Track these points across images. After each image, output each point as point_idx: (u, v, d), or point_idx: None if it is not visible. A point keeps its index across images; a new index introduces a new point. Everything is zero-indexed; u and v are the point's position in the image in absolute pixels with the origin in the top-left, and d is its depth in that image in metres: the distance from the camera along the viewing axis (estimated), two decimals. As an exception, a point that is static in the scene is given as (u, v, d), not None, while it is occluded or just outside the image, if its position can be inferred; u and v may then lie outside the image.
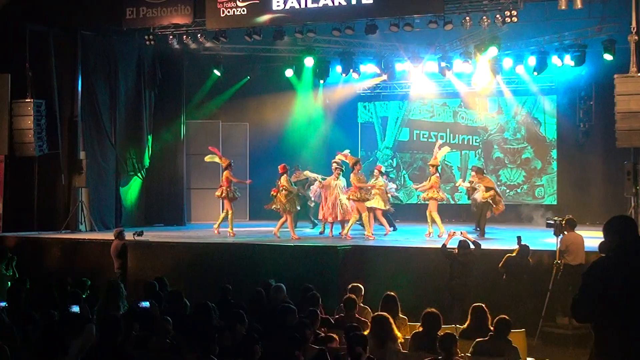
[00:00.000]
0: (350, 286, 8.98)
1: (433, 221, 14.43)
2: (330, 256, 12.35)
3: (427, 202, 14.55)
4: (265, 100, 20.04)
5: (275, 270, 11.76)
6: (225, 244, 13.89)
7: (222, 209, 15.32)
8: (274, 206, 14.33)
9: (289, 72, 18.76)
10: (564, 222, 10.64)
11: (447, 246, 10.87)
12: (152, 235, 14.42)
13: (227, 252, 13.17)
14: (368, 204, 14.24)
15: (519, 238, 11.10)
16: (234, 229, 14.87)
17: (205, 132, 19.01)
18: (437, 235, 14.08)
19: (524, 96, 19.01)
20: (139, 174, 17.85)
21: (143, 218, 17.84)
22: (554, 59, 16.43)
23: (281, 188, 14.11)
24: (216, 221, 15.27)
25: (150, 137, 17.90)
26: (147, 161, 17.79)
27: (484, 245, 11.30)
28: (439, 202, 14.56)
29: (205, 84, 19.16)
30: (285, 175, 14.26)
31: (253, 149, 20.09)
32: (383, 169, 16.00)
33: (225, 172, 15.00)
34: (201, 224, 15.88)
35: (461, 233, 11.30)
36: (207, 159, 15.56)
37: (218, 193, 15.06)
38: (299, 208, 14.82)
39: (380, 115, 20.53)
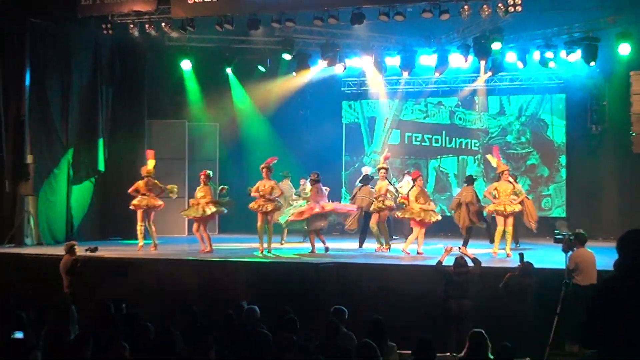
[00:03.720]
0: (332, 309, 8.97)
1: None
2: (310, 274, 12.35)
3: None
4: (239, 98, 20.04)
5: (248, 290, 11.74)
6: (191, 260, 13.83)
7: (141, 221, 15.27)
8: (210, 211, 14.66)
9: (262, 67, 18.86)
10: (573, 237, 10.67)
11: (443, 263, 10.89)
12: (109, 250, 14.34)
13: (194, 270, 13.11)
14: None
15: (521, 255, 11.13)
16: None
17: (169, 134, 18.95)
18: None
19: (529, 95, 19.13)
20: (93, 181, 17.73)
21: (98, 231, 17.70)
22: (563, 54, 16.54)
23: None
24: (180, 234, 15.31)
25: (106, 139, 17.80)
26: (102, 166, 17.67)
27: (483, 263, 11.33)
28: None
29: (171, 79, 19.12)
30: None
31: (224, 153, 20.05)
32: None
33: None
34: (163, 237, 15.81)
35: (459, 249, 11.31)
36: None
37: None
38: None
39: (368, 116, 20.57)
